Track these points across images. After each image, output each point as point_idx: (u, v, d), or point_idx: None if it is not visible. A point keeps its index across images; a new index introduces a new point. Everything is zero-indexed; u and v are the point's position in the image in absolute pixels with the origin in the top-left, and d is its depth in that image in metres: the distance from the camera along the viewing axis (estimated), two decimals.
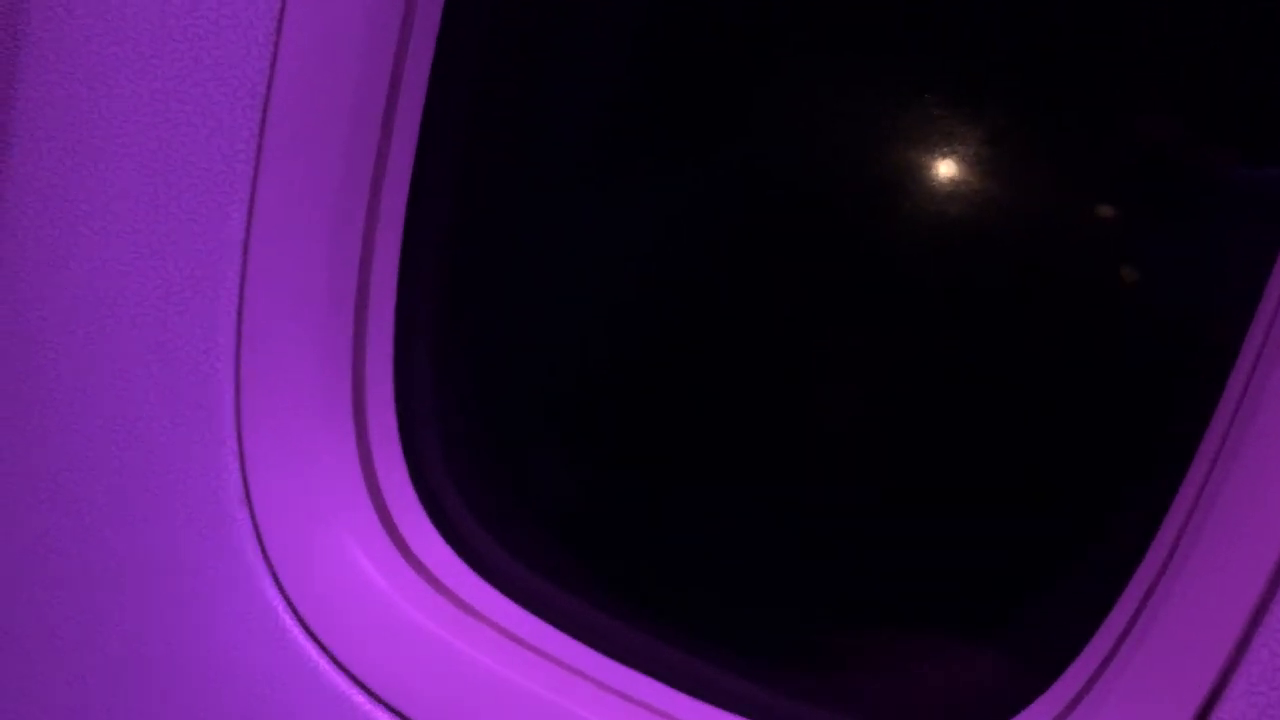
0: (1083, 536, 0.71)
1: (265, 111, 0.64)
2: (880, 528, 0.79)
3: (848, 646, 0.79)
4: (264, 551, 0.74)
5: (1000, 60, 0.79)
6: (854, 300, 0.80)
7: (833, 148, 0.81)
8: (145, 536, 0.74)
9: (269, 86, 0.64)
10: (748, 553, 0.83)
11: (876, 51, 0.80)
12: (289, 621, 0.75)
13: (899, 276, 0.79)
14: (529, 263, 0.85)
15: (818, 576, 0.80)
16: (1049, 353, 0.76)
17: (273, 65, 0.63)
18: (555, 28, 0.79)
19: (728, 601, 0.83)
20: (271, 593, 0.74)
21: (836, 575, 0.80)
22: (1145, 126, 0.76)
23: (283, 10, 0.62)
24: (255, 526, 0.73)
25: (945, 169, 0.80)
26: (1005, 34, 0.78)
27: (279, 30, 0.63)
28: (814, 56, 0.80)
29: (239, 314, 0.68)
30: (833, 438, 0.82)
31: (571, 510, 0.89)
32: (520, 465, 0.89)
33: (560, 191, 0.83)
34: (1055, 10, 0.77)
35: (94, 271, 0.67)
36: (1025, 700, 0.62)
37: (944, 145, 0.80)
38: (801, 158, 0.82)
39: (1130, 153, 0.77)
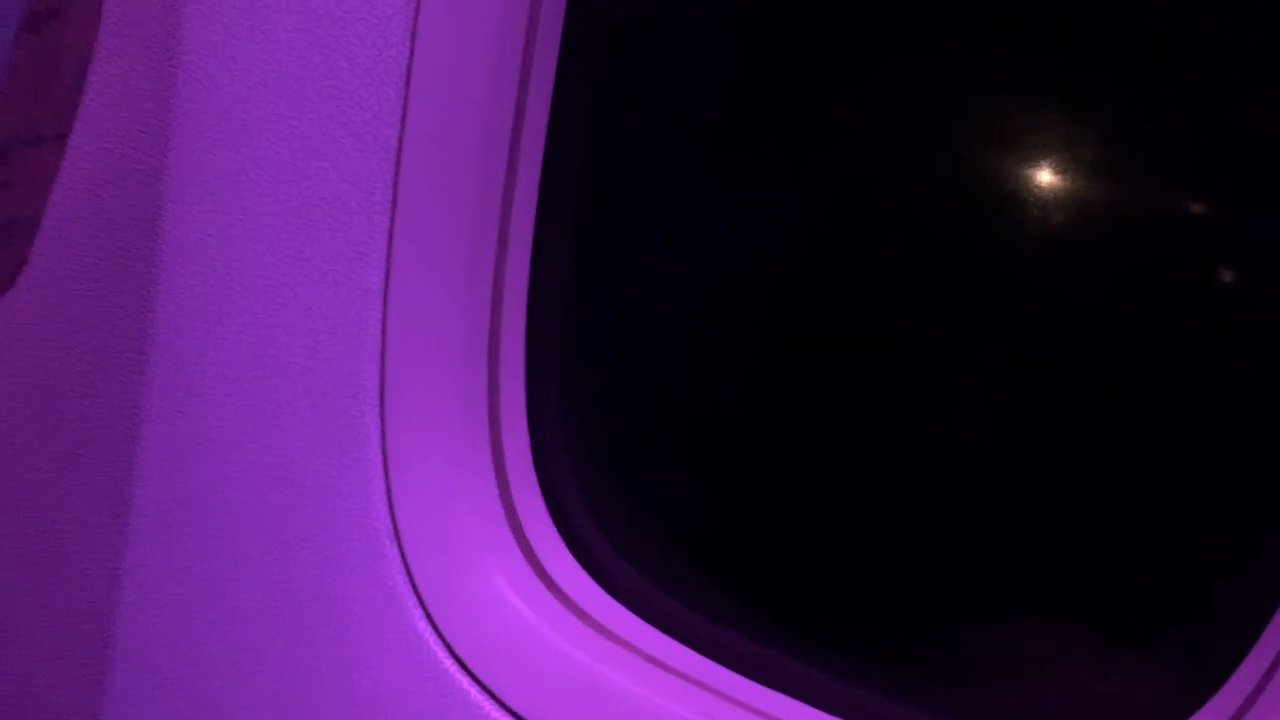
0: (1238, 542, 0.69)
1: (398, 164, 0.67)
2: (1034, 538, 0.78)
3: (1001, 661, 0.79)
4: (412, 583, 0.76)
5: (1110, 62, 0.78)
6: (985, 310, 0.80)
7: (956, 153, 0.81)
8: (299, 573, 0.77)
9: (400, 139, 0.66)
10: (887, 569, 0.82)
11: (994, 54, 0.80)
12: (438, 649, 0.77)
13: (1032, 284, 0.78)
14: (654, 286, 0.87)
15: (965, 587, 0.79)
16: (1205, 357, 0.74)
17: (403, 121, 0.66)
18: (668, 66, 0.81)
19: (867, 619, 0.83)
20: (421, 623, 0.77)
21: (983, 586, 0.79)
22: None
23: (410, 67, 0.65)
24: (404, 560, 0.76)
25: (1064, 173, 0.79)
26: (1112, 35, 0.77)
27: (407, 85, 0.66)
28: (937, 59, 0.80)
29: (381, 359, 0.71)
30: (975, 445, 0.81)
31: (703, 531, 0.90)
32: (651, 488, 0.90)
33: (683, 213, 0.84)
34: (1162, 9, 0.76)
35: (246, 325, 0.70)
36: (1185, 712, 0.61)
37: (1061, 149, 0.79)
38: (921, 166, 0.82)
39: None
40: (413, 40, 0.64)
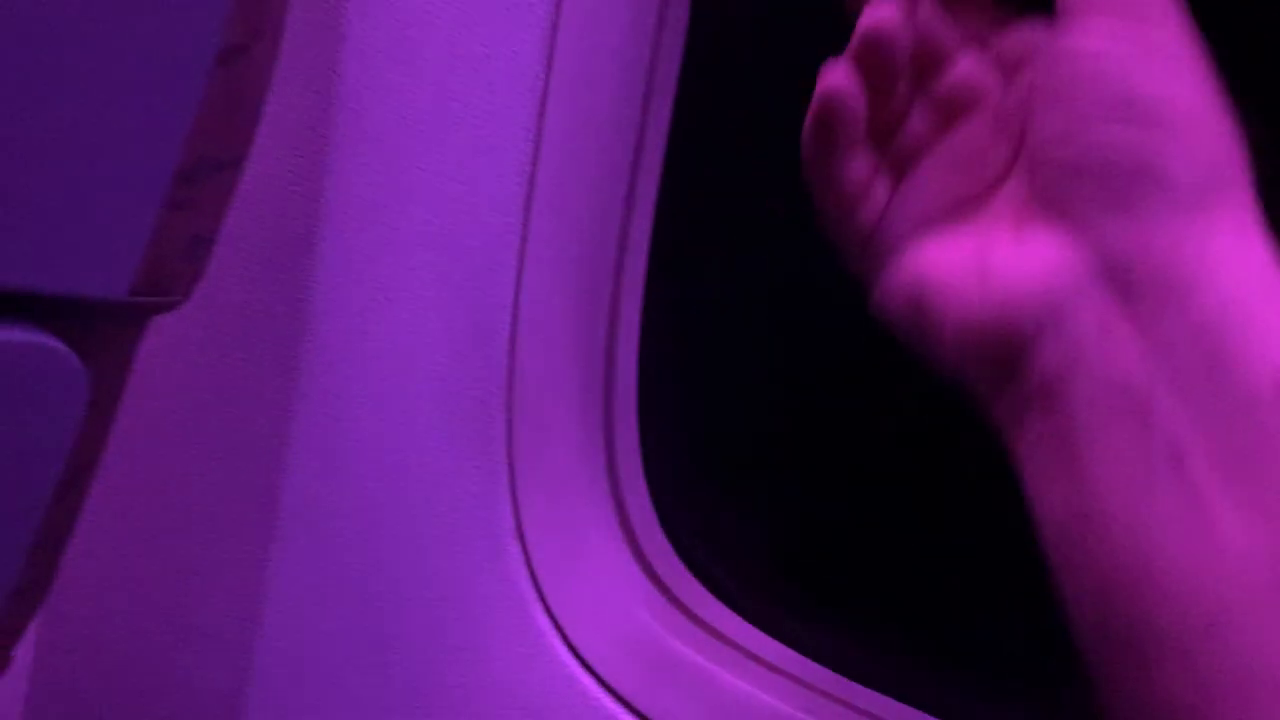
0: None
1: (530, 189, 0.73)
2: None
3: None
4: (534, 579, 0.82)
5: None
6: None
7: None
8: (429, 569, 0.83)
9: (533, 167, 0.73)
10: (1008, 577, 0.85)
11: None
12: (557, 644, 0.82)
13: None
14: (761, 299, 0.92)
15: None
16: None
17: (536, 152, 0.73)
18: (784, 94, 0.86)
19: (990, 630, 0.86)
20: (542, 619, 0.82)
21: None
22: None
23: (544, 103, 0.72)
24: (526, 557, 0.81)
25: None
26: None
27: (541, 119, 0.72)
28: None
29: (509, 370, 0.77)
30: None
31: (807, 537, 0.94)
32: (753, 495, 0.95)
33: (786, 230, 0.89)
34: None
35: (390, 336, 0.77)
36: None
37: None
38: None
39: None
40: (547, 79, 0.71)
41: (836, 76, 0.54)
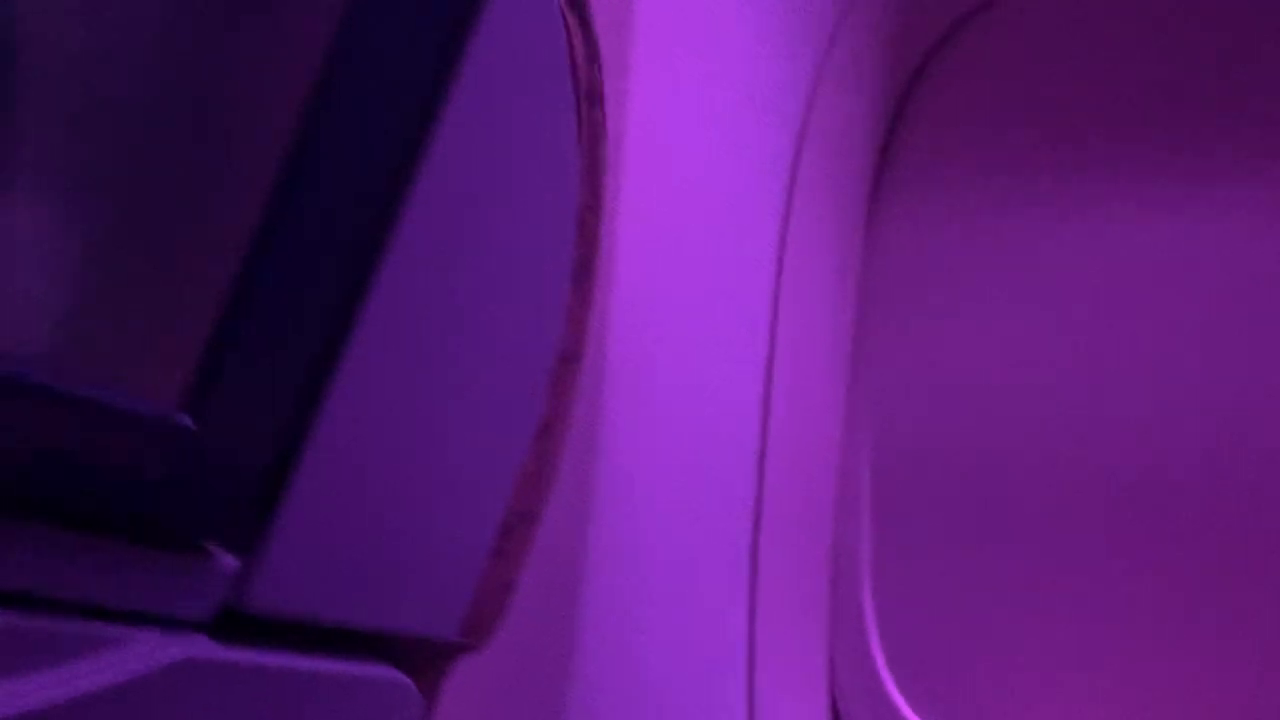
0: None
1: (781, 252, 0.82)
2: None
3: None
4: None
5: None
6: None
7: None
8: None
9: (783, 237, 0.82)
10: None
11: None
12: None
13: None
14: None
15: None
16: None
17: (786, 221, 0.82)
18: None
19: None
20: None
21: None
22: None
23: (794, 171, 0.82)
24: None
25: None
26: None
27: (791, 186, 0.82)
28: None
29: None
30: None
31: None
32: None
33: None
34: None
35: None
36: None
37: None
38: None
39: None
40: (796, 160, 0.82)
41: None
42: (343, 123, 0.48)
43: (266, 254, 0.47)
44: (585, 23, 0.61)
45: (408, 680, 0.60)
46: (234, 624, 0.51)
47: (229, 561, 0.50)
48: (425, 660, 0.67)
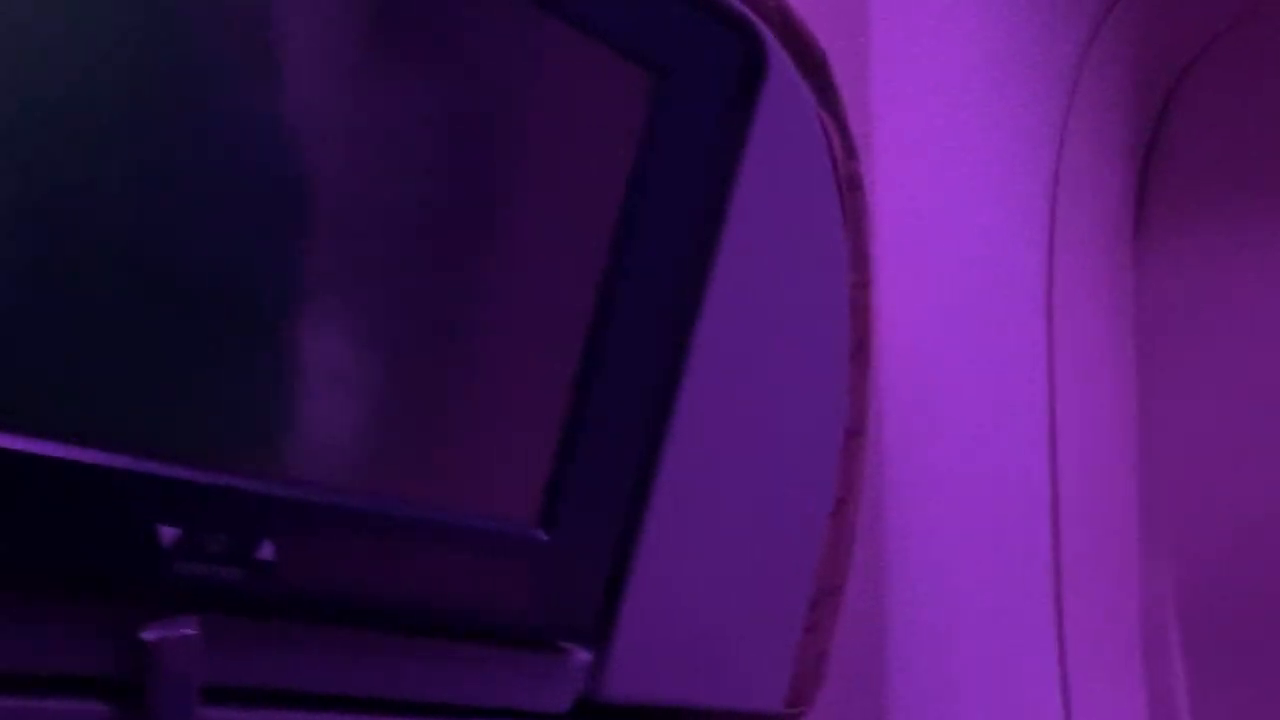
0: None
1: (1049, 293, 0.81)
2: None
3: None
4: None
5: None
6: None
7: None
8: None
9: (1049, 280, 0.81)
10: None
11: None
12: None
13: None
14: None
15: None
16: None
17: (1050, 271, 0.82)
18: None
19: None
20: None
21: None
22: None
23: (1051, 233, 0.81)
24: None
25: None
26: None
27: (1051, 241, 0.82)
28: None
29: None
30: None
31: None
32: None
33: None
34: None
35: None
36: None
37: None
38: None
39: None
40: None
41: None
42: (644, 247, 0.53)
43: (591, 373, 0.52)
44: (839, 119, 0.65)
45: None
46: (586, 712, 0.56)
47: (583, 656, 0.55)
48: None
